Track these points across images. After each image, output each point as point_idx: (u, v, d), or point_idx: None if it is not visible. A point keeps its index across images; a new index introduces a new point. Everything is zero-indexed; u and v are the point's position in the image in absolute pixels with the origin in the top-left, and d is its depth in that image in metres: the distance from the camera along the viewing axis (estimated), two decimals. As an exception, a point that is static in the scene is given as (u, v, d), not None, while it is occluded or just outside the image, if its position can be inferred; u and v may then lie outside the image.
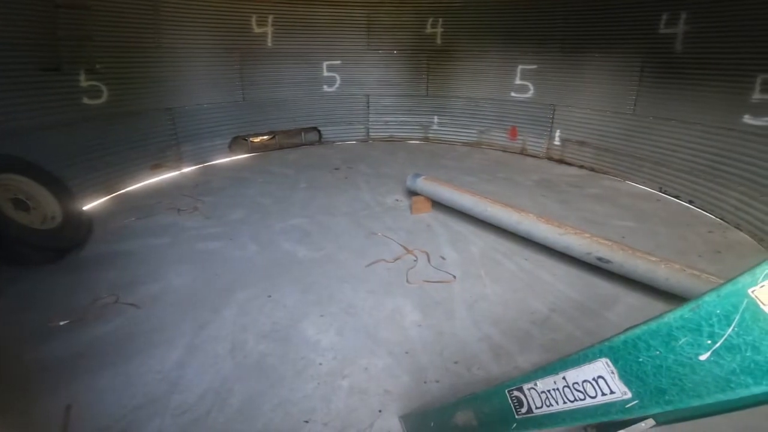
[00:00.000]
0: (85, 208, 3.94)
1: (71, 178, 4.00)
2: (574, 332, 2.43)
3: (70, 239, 3.24)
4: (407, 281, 2.91)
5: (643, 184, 5.10)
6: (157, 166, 5.30)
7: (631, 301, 2.74)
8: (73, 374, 2.06)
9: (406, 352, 2.24)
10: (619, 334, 0.83)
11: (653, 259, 2.65)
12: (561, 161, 6.16)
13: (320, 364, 2.15)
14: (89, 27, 4.41)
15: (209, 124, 6.01)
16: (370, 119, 7.46)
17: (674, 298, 2.56)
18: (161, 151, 5.41)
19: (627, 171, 5.32)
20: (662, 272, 2.57)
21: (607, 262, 2.79)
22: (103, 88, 4.64)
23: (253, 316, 2.53)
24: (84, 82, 4.45)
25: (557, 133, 6.21)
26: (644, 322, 0.79)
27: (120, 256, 3.24)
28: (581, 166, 5.89)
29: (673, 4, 4.58)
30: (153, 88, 5.27)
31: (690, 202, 4.48)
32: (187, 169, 5.64)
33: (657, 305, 2.65)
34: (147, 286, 2.84)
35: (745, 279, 0.62)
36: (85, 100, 4.48)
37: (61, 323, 2.43)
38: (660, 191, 4.87)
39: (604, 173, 5.58)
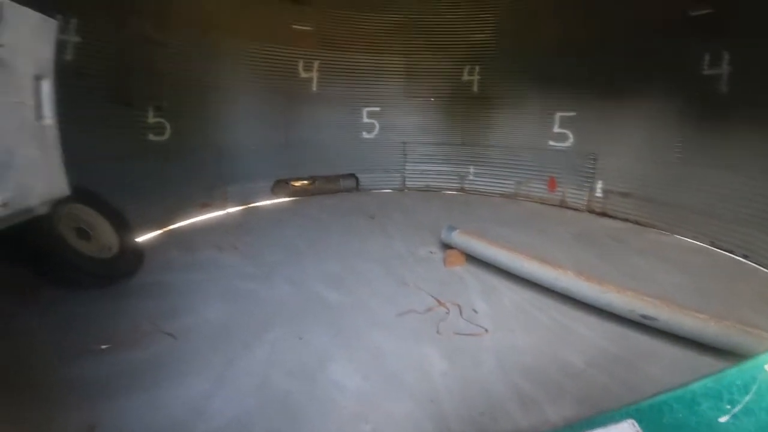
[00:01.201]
0: (138, 240, 4.23)
1: (128, 210, 4.16)
2: (611, 385, 2.30)
3: (123, 270, 3.49)
4: (437, 332, 2.86)
5: (693, 237, 4.82)
6: (205, 205, 5.65)
7: (675, 354, 2.58)
8: (104, 396, 2.14)
9: (431, 400, 2.18)
10: (647, 398, 0.94)
11: (702, 316, 2.51)
12: (603, 214, 5.97)
13: (344, 406, 2.13)
14: (159, 64, 4.74)
15: (255, 166, 6.29)
16: (407, 168, 7.58)
17: (722, 352, 2.41)
18: (210, 190, 5.72)
19: (675, 224, 5.06)
20: (712, 330, 2.43)
21: (652, 319, 2.65)
22: (167, 125, 4.94)
23: (282, 355, 2.56)
24: (151, 118, 4.75)
25: (599, 185, 6.03)
26: (671, 389, 0.92)
27: (163, 288, 3.43)
28: (625, 219, 5.68)
29: (714, 44, 4.46)
30: (208, 128, 5.61)
31: (744, 257, 4.17)
32: (232, 209, 5.97)
33: (703, 359, 2.49)
34: (185, 318, 2.96)
35: (764, 357, 0.79)
36: (151, 137, 4.79)
37: (102, 347, 2.56)
38: (711, 245, 4.58)
39: (650, 226, 5.34)
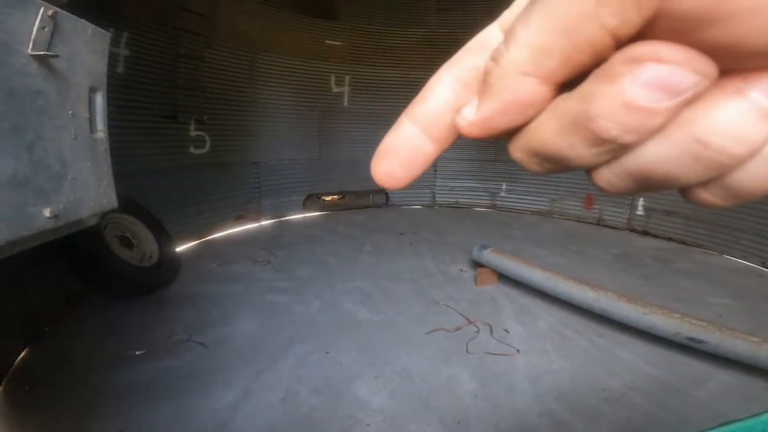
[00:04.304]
0: (176, 249, 4.39)
1: (168, 221, 4.32)
2: (654, 410, 2.17)
3: (162, 278, 3.62)
4: (467, 351, 2.78)
5: (743, 258, 4.52)
6: (240, 217, 5.82)
7: (725, 378, 2.42)
8: (135, 401, 2.21)
9: (458, 422, 2.10)
10: (712, 428, 0.85)
11: (755, 339, 2.34)
12: (645, 233, 5.68)
13: (368, 424, 2.08)
14: (201, 78, 4.93)
15: (288, 180, 6.45)
16: (437, 184, 7.55)
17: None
18: (245, 203, 5.90)
19: (724, 244, 4.75)
20: (765, 352, 2.27)
21: (700, 342, 2.49)
22: (207, 138, 5.13)
23: (308, 370, 2.55)
24: (192, 131, 4.94)
25: (640, 202, 5.77)
26: (740, 420, 0.82)
27: (198, 298, 3.53)
28: (669, 239, 5.38)
29: None
30: (245, 141, 5.79)
31: (805, 283, 3.84)
32: (265, 222, 6.12)
33: (756, 383, 2.35)
34: (217, 328, 3.02)
35: None
36: (192, 149, 4.98)
37: (137, 353, 2.65)
38: (763, 266, 4.28)
39: (697, 246, 5.03)
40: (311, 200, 6.82)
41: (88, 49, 1.72)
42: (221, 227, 5.52)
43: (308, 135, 6.69)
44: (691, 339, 2.53)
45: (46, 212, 1.48)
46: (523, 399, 2.29)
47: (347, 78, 6.84)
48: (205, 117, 5.07)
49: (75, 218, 1.69)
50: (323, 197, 6.92)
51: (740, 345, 2.38)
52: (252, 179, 6.02)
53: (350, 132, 6.99)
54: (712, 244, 4.90)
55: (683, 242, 5.21)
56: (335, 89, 6.80)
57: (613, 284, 3.66)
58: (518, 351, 2.77)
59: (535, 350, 2.79)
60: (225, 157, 5.52)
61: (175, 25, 4.62)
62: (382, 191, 7.36)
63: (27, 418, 2.06)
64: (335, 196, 7.05)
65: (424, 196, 7.58)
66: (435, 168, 7.48)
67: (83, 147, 1.75)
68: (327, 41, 6.53)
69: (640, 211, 5.79)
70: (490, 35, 0.21)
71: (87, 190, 1.78)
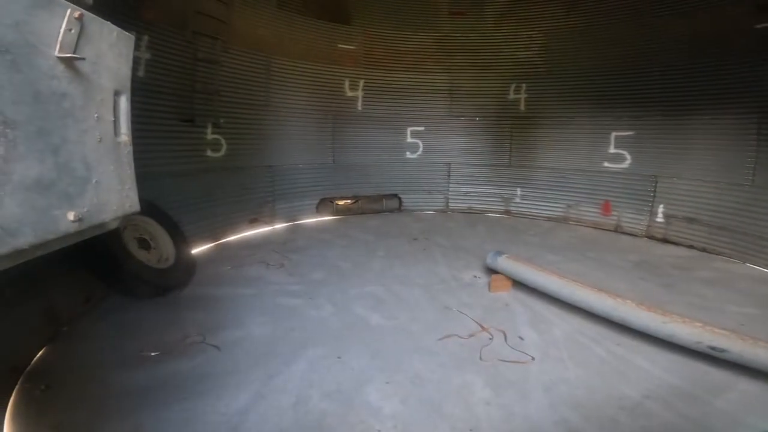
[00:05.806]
0: (192, 252, 4.44)
1: (184, 223, 4.37)
2: (673, 420, 2.12)
3: (178, 280, 3.68)
4: (480, 358, 2.74)
5: (766, 266, 4.40)
6: (254, 221, 5.88)
7: (748, 387, 2.36)
8: (147, 403, 2.22)
9: (471, 430, 2.07)
10: None
11: None
12: (664, 240, 5.55)
13: (379, 430, 2.06)
14: (218, 82, 5.00)
15: (302, 185, 6.50)
16: (450, 189, 7.50)
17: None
18: (259, 206, 5.96)
19: (747, 252, 4.62)
20: None
21: (722, 351, 2.44)
22: (223, 142, 5.20)
23: (320, 374, 2.55)
24: (209, 135, 5.01)
25: (660, 209, 5.64)
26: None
27: (212, 301, 3.56)
28: (690, 246, 5.24)
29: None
30: (260, 145, 5.85)
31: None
32: (278, 226, 6.17)
33: None
34: (230, 331, 3.05)
35: None
36: (208, 153, 5.05)
37: (152, 354, 2.69)
38: (789, 276, 4.12)
39: (719, 254, 4.89)
40: (324, 204, 6.86)
41: (113, 51, 1.72)
42: (235, 230, 5.59)
43: (322, 139, 6.73)
44: (712, 348, 2.49)
45: (70, 216, 1.47)
46: (537, 407, 2.25)
47: (361, 82, 6.87)
48: (222, 121, 5.14)
49: (98, 222, 1.68)
50: (336, 201, 6.95)
51: (762, 354, 2.34)
52: (266, 183, 6.08)
53: (364, 136, 7.02)
54: (734, 252, 4.76)
55: (704, 250, 5.08)
56: (349, 93, 6.83)
57: (632, 292, 3.58)
58: (533, 359, 2.73)
59: (550, 358, 2.74)
60: (240, 161, 5.59)
61: (194, 29, 4.69)
62: (395, 196, 7.36)
63: (42, 417, 2.09)
64: (348, 201, 7.07)
65: (437, 202, 7.54)
66: (448, 173, 7.44)
67: (107, 150, 1.75)
68: (340, 45, 6.58)
69: (659, 218, 5.66)
70: None
71: (110, 193, 1.78)
